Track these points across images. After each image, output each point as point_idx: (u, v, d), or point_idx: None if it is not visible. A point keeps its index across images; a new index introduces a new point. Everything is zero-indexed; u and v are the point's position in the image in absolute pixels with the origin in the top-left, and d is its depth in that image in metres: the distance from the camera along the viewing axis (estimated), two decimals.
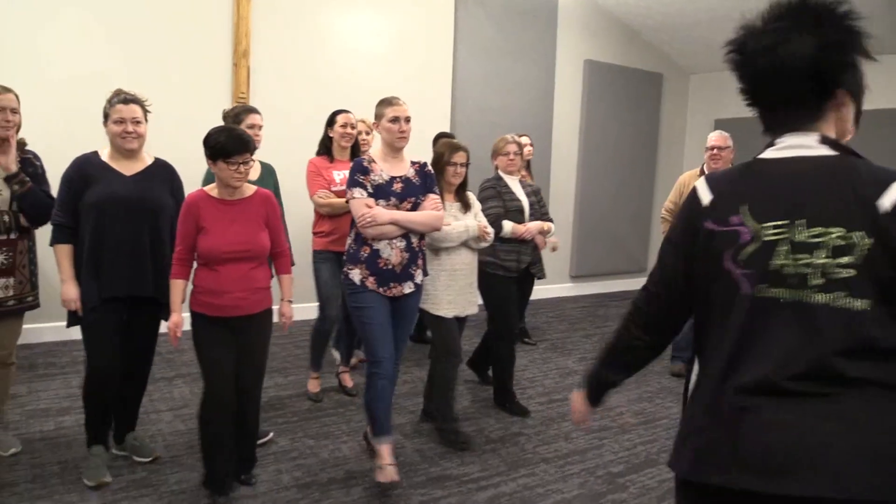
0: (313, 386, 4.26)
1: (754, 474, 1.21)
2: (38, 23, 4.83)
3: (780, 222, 1.28)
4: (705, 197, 1.41)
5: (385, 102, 3.21)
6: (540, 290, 7.50)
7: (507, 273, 4.03)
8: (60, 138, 4.40)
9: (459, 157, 3.61)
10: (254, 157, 2.90)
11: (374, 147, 3.35)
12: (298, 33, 5.88)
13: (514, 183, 4.19)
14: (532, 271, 4.42)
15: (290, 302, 3.08)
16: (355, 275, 3.13)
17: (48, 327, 4.84)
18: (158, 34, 5.26)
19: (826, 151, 1.31)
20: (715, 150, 4.66)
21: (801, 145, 1.33)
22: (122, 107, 2.94)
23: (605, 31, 7.90)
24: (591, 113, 7.87)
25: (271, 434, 3.60)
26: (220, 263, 2.79)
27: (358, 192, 3.09)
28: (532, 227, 4.11)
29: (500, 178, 4.15)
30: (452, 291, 3.55)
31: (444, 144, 3.69)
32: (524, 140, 5.06)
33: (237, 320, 2.85)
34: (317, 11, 5.96)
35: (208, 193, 2.87)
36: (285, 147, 5.33)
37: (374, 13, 6.29)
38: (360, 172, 3.13)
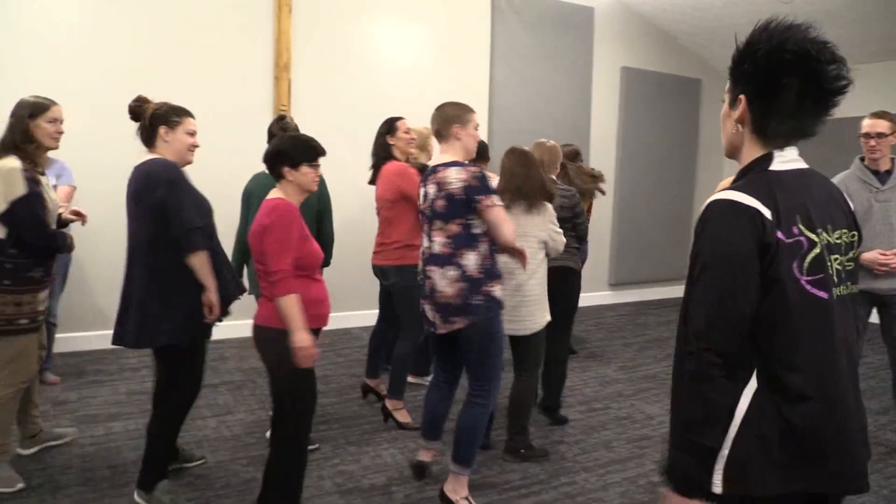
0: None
1: (848, 470, 1.42)
2: (84, 38, 4.99)
3: (819, 229, 1.43)
4: (765, 211, 1.39)
5: (468, 108, 3.07)
6: (581, 299, 7.46)
7: None
8: (103, 150, 4.54)
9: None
10: None
11: (435, 153, 3.23)
12: (337, 46, 5.97)
13: None
14: None
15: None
16: (497, 292, 2.94)
17: (96, 335, 4.97)
18: (202, 48, 5.40)
19: (805, 164, 1.51)
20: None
21: (797, 158, 1.50)
22: (192, 120, 2.97)
23: (641, 37, 7.86)
24: (629, 120, 7.82)
25: (317, 444, 3.62)
26: (319, 271, 2.79)
27: (498, 200, 2.93)
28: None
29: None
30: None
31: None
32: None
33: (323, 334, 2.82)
34: (355, 25, 6.05)
35: (288, 201, 2.72)
36: (326, 157, 5.40)
37: (412, 25, 6.36)
38: (488, 180, 2.94)
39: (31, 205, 2.93)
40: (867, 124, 3.67)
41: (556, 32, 7.14)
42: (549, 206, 3.49)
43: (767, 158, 1.48)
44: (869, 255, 3.57)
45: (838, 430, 1.41)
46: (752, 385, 1.40)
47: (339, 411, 4.15)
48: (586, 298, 7.58)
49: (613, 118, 7.77)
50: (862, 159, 3.74)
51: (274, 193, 2.71)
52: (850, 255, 1.49)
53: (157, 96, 3.08)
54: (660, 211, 8.16)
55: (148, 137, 2.93)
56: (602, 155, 7.68)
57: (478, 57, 6.73)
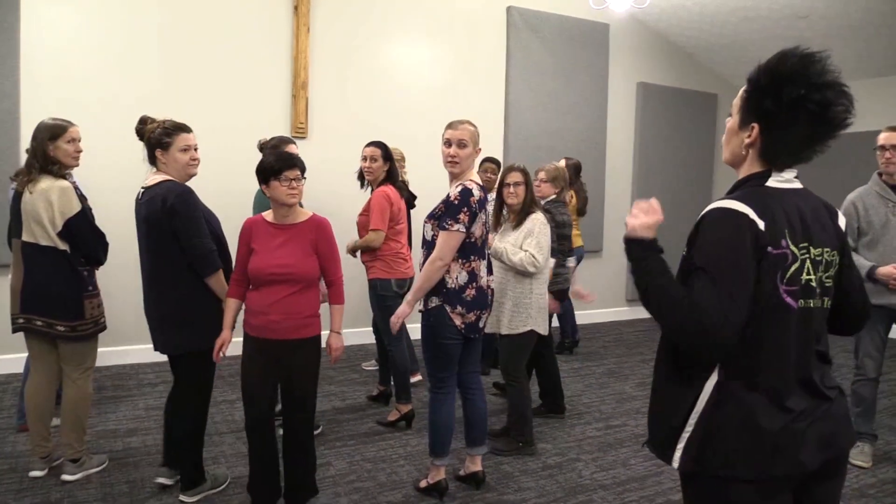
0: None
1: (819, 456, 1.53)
2: (103, 58, 5.09)
3: (804, 244, 1.54)
4: (760, 222, 1.50)
5: (447, 125, 3.17)
6: (596, 314, 7.44)
7: None
8: (121, 169, 4.61)
9: (512, 178, 3.74)
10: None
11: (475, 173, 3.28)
12: (354, 65, 6.03)
13: None
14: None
15: (339, 333, 3.00)
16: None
17: (113, 351, 5.02)
18: (220, 68, 5.48)
19: (800, 185, 1.64)
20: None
21: (793, 179, 1.62)
22: (187, 135, 3.05)
23: (657, 53, 7.86)
24: (645, 135, 7.81)
25: (321, 427, 3.76)
26: (264, 285, 2.86)
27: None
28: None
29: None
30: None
31: (506, 168, 3.87)
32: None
33: (281, 346, 2.86)
34: (372, 44, 6.11)
35: (263, 217, 2.97)
36: (344, 175, 5.44)
37: (428, 44, 6.42)
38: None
39: (88, 218, 3.20)
40: (883, 137, 3.64)
41: (572, 48, 7.16)
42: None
43: (765, 175, 1.60)
44: (885, 270, 3.52)
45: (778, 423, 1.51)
46: (714, 377, 1.54)
47: (355, 428, 4.14)
48: (604, 314, 7.58)
49: (630, 134, 7.77)
50: (880, 174, 3.71)
51: None
52: (830, 272, 1.61)
53: (175, 115, 3.12)
54: (676, 227, 8.03)
55: (151, 159, 3.06)
56: (618, 171, 7.67)
57: (494, 74, 6.76)
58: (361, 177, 4.39)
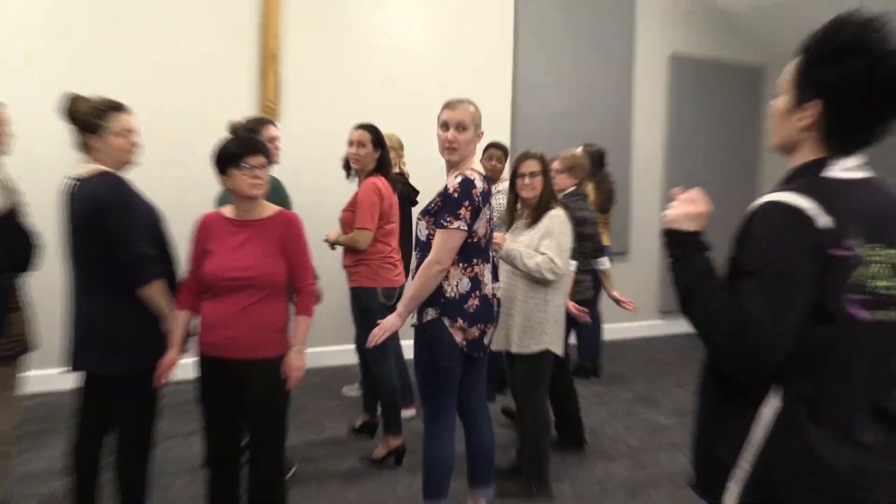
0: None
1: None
2: (25, 21, 5.04)
3: (876, 245, 1.51)
4: (821, 219, 1.47)
5: (443, 105, 3.17)
6: (624, 329, 7.41)
7: None
8: (63, 147, 4.56)
9: (527, 167, 3.71)
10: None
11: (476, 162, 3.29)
12: (334, 34, 6.01)
13: None
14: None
15: (300, 351, 2.94)
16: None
17: (45, 375, 4.96)
18: (169, 35, 5.45)
19: (870, 172, 1.60)
20: None
21: (861, 166, 1.59)
22: (124, 116, 2.98)
23: (694, 19, 7.85)
24: (679, 116, 7.81)
25: (295, 467, 3.75)
26: (222, 293, 2.82)
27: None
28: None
29: None
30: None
31: (521, 155, 3.85)
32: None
33: (242, 367, 2.82)
34: (356, 6, 6.10)
35: (221, 213, 2.95)
36: (321, 161, 5.41)
37: (422, 6, 6.41)
38: None
39: (16, 216, 3.11)
40: None
41: (593, 14, 7.16)
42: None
43: (827, 162, 1.58)
44: None
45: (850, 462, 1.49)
46: (774, 404, 1.52)
47: (334, 467, 4.10)
48: (632, 329, 7.55)
49: (661, 114, 7.77)
50: None
51: None
52: None
53: (113, 93, 3.07)
54: (717, 223, 8.00)
55: (81, 145, 2.99)
56: (647, 157, 7.67)
57: (499, 42, 6.75)
58: (347, 165, 4.37)
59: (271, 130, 3.85)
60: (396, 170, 4.81)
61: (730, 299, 1.49)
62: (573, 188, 4.46)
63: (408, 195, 4.50)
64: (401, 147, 5.00)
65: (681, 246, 1.63)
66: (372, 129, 4.19)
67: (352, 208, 4.16)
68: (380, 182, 4.14)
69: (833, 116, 1.56)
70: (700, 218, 1.66)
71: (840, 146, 1.59)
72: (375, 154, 4.19)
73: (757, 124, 8.32)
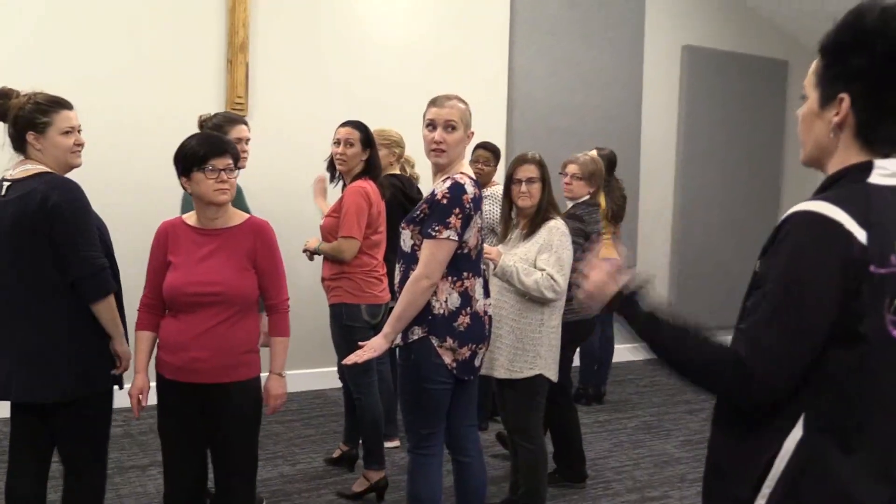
0: None
1: None
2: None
3: None
4: (860, 232, 1.44)
5: (429, 102, 3.19)
6: (629, 350, 7.40)
7: None
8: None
9: (523, 172, 3.68)
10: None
11: (466, 165, 3.34)
12: (310, 21, 6.01)
13: None
14: None
15: (281, 375, 2.97)
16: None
17: None
18: (125, 22, 5.42)
19: None
20: None
21: None
22: (69, 113, 2.98)
23: (709, 8, 7.90)
24: (694, 113, 7.84)
25: (264, 501, 3.68)
26: (186, 310, 2.82)
27: None
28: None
29: None
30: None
31: (517, 159, 3.84)
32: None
33: (208, 392, 2.81)
34: None
35: (184, 221, 2.94)
36: (295, 164, 5.41)
37: None
38: None
39: None
40: None
41: (597, 1, 7.18)
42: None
43: (867, 168, 1.54)
44: None
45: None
46: (796, 432, 1.50)
47: (309, 502, 4.10)
48: (637, 351, 7.49)
49: (672, 110, 7.81)
50: None
51: None
52: None
53: (58, 87, 3.07)
54: (733, 232, 8.11)
55: (18, 144, 2.97)
56: (657, 157, 7.69)
57: (493, 31, 6.75)
58: (332, 166, 4.35)
59: (242, 130, 3.81)
60: (396, 171, 4.78)
61: (707, 356, 1.60)
62: (587, 196, 4.46)
63: (400, 201, 4.46)
64: (399, 145, 4.88)
65: (629, 319, 1.78)
66: (361, 127, 4.17)
67: (335, 214, 4.13)
68: (368, 186, 4.13)
69: (862, 110, 1.53)
70: (608, 280, 1.78)
71: (873, 145, 1.56)
72: (364, 154, 4.17)
73: (780, 123, 8.37)
